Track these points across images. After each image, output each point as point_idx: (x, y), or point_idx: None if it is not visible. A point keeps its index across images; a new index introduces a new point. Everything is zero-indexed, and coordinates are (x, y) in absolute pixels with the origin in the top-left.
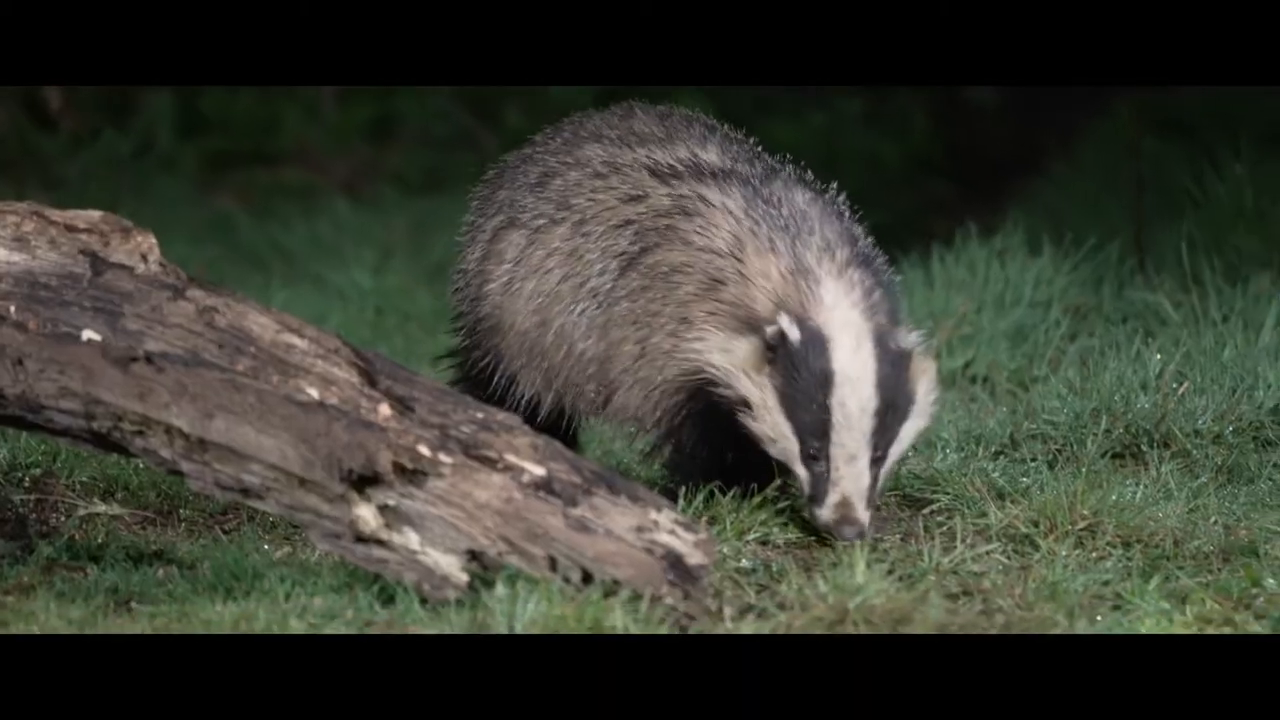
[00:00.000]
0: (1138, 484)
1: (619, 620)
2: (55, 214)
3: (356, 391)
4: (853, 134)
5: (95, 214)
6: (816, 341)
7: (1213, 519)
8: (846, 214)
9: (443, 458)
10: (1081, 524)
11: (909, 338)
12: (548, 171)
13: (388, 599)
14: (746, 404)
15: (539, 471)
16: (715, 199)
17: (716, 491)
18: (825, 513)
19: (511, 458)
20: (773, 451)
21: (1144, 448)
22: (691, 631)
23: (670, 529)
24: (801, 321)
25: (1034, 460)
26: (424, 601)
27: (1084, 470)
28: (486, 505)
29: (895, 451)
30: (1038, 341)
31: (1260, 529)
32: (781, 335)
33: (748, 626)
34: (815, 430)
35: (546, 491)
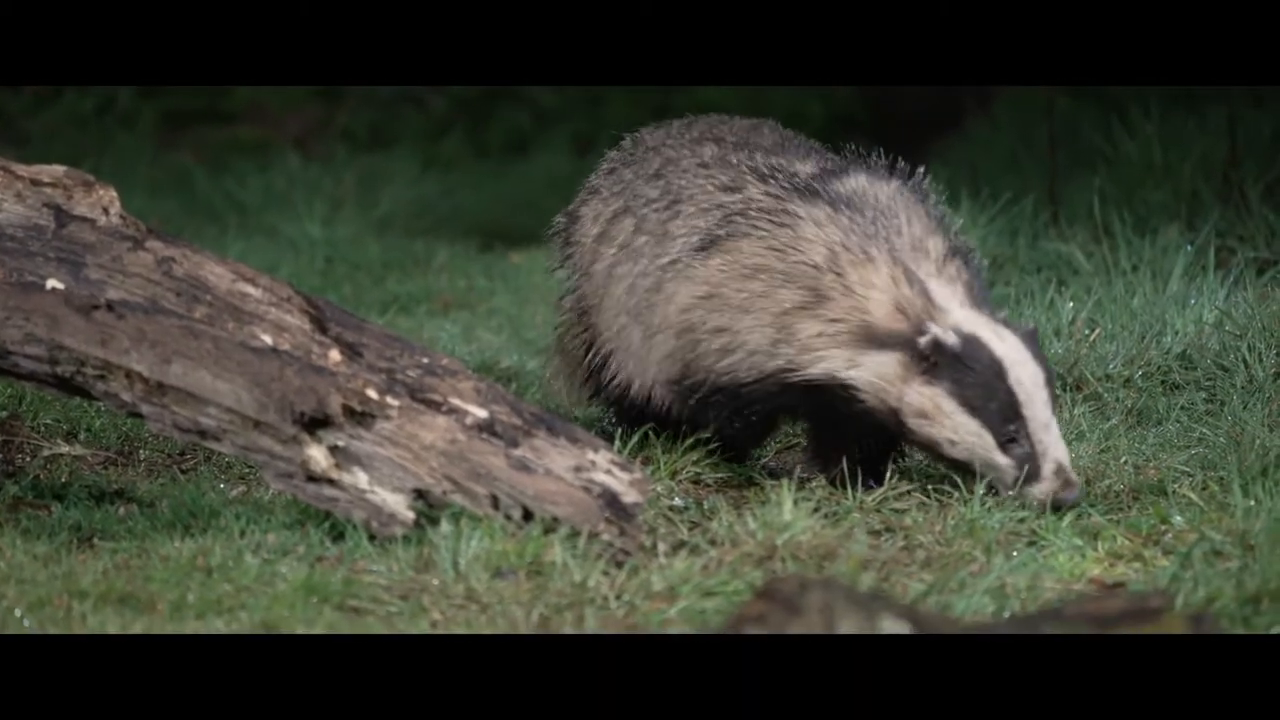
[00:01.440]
0: None
1: (558, 556)
2: (21, 169)
3: (308, 338)
4: (778, 93)
5: (59, 169)
6: (968, 338)
7: (1123, 459)
8: (931, 198)
9: (390, 401)
10: None
11: (1021, 323)
12: (667, 161)
13: (338, 536)
14: (921, 414)
15: (482, 414)
16: (803, 211)
17: (650, 434)
18: (1045, 485)
19: (456, 400)
20: (954, 453)
21: (1058, 391)
22: (626, 565)
23: (607, 469)
24: (943, 325)
25: None
26: (372, 538)
27: None
28: (432, 446)
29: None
30: None
31: (1168, 469)
32: (936, 343)
33: (680, 562)
34: (1006, 415)
35: (489, 433)
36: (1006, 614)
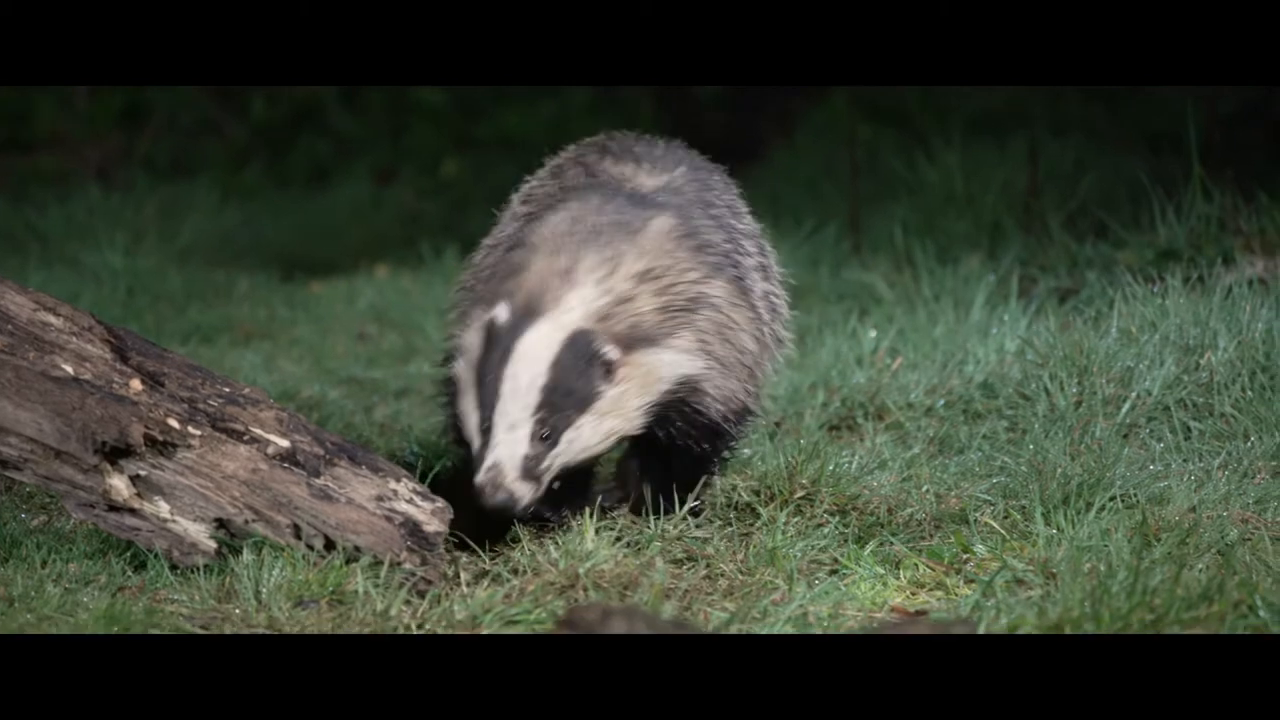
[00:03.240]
0: (853, 455)
1: (360, 585)
2: None
3: (109, 367)
4: (581, 123)
5: None
6: (517, 325)
7: (925, 488)
8: (723, 221)
9: (191, 430)
10: (800, 493)
11: (635, 355)
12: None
13: (140, 565)
14: (453, 380)
15: (283, 443)
16: (564, 204)
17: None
18: (480, 476)
19: (257, 430)
20: (462, 424)
21: (860, 420)
22: (429, 594)
23: (409, 498)
24: (515, 309)
25: (755, 432)
26: (174, 568)
27: (802, 441)
28: (233, 475)
29: (571, 437)
30: None
31: (970, 497)
32: (493, 320)
33: (482, 591)
34: (489, 401)
35: (291, 462)
36: None
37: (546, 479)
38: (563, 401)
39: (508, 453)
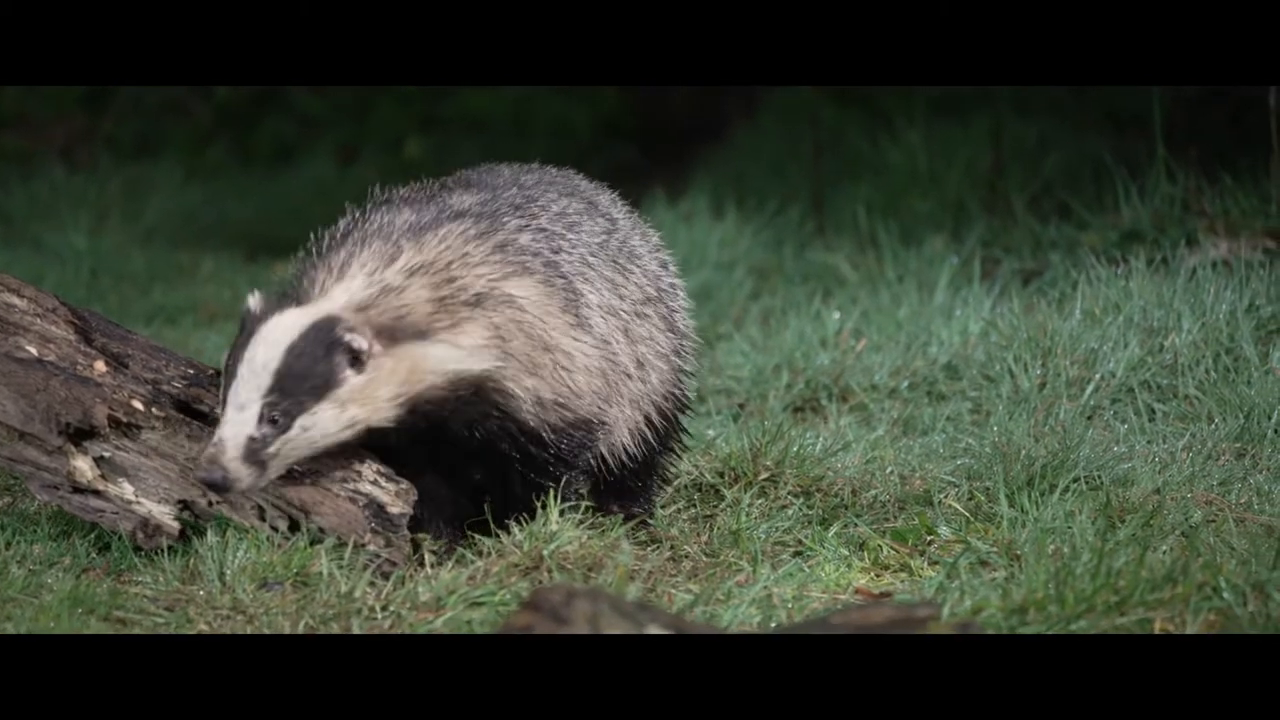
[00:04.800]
0: (818, 436)
1: (324, 566)
2: None
3: (73, 349)
4: (545, 102)
5: None
6: (262, 313)
7: (889, 469)
8: (476, 241)
9: (155, 411)
10: (764, 475)
11: (361, 340)
12: None
13: (104, 547)
14: None
15: None
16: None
17: None
18: (203, 451)
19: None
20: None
21: (823, 401)
22: (393, 576)
23: (373, 480)
24: (272, 298)
25: (719, 414)
26: (138, 549)
27: (766, 423)
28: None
29: (307, 423)
30: (722, 301)
31: (934, 479)
32: (248, 308)
33: (446, 573)
34: (227, 383)
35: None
36: (773, 624)
37: (275, 465)
38: (296, 386)
39: (231, 432)
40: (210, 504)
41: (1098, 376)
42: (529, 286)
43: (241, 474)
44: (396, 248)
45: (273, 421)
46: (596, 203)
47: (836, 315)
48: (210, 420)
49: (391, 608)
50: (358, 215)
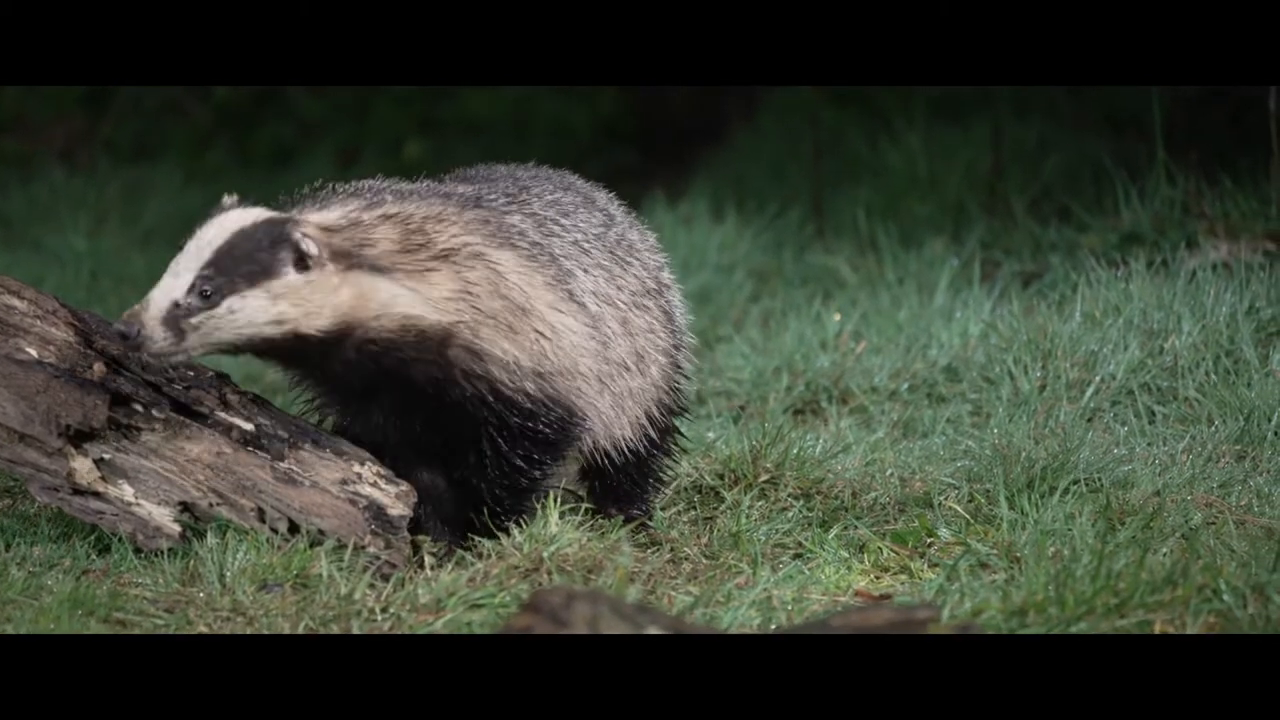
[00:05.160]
0: (818, 438)
1: (324, 568)
2: None
3: (73, 351)
4: (544, 104)
5: None
6: (232, 207)
7: (889, 472)
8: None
9: (155, 414)
10: (764, 477)
11: (311, 245)
12: None
13: (104, 549)
14: None
15: (248, 426)
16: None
17: None
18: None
19: (222, 414)
20: None
21: (824, 404)
22: (393, 578)
23: (373, 481)
24: (245, 200)
25: (719, 416)
26: (138, 551)
27: (766, 425)
28: (198, 459)
29: (235, 305)
30: (722, 303)
31: (934, 481)
32: (220, 204)
33: (446, 575)
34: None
35: (255, 446)
36: (773, 626)
37: (193, 339)
38: (234, 267)
39: (159, 294)
40: (210, 505)
41: (1098, 379)
42: (509, 256)
43: (157, 335)
44: (379, 199)
45: (203, 295)
46: (594, 198)
47: (836, 318)
48: (213, 422)
49: (391, 610)
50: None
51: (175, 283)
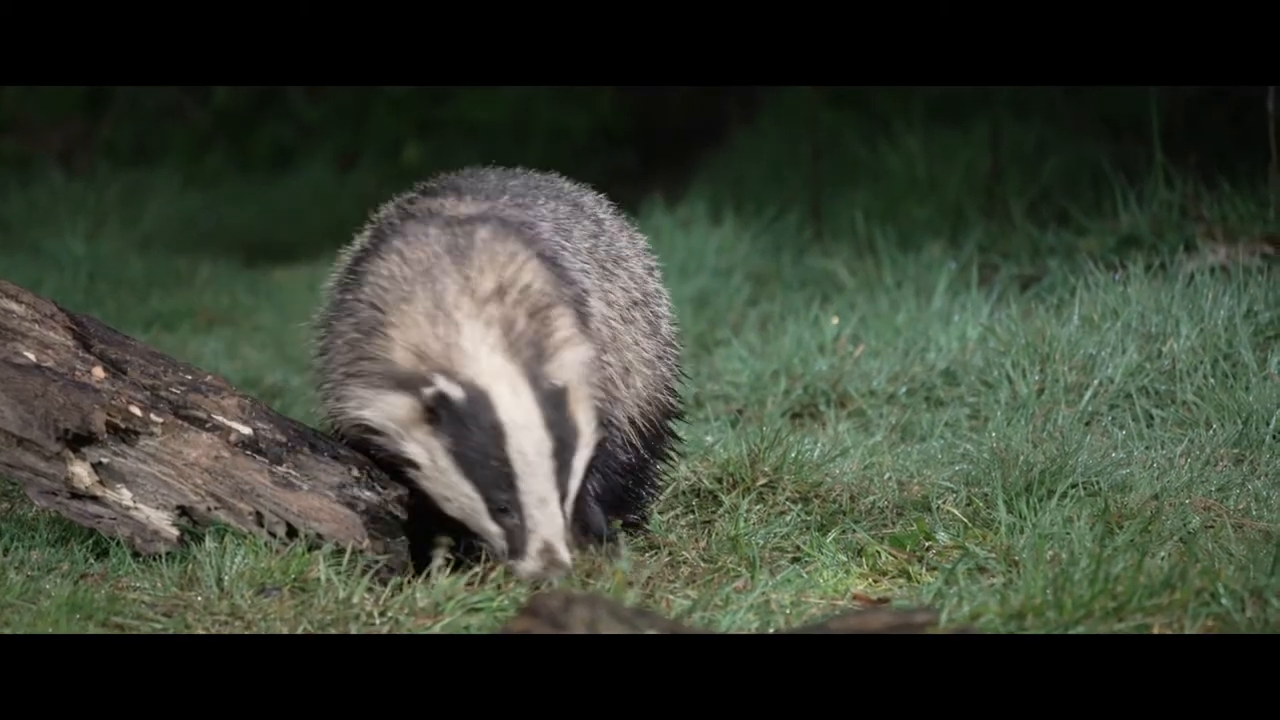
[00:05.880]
0: (816, 442)
1: (322, 572)
2: None
3: (71, 354)
4: (542, 107)
5: None
6: (476, 395)
7: (887, 475)
8: (573, 239)
9: (154, 417)
10: (762, 480)
11: (561, 372)
12: None
13: (102, 553)
14: (418, 465)
15: (246, 430)
16: (384, 248)
17: None
18: (530, 563)
19: (220, 417)
20: (451, 510)
21: (822, 407)
22: (391, 581)
23: (370, 485)
24: (454, 378)
25: (717, 419)
26: (137, 555)
27: (764, 429)
28: (196, 463)
29: (574, 487)
30: (720, 307)
31: (932, 485)
32: (441, 396)
33: (445, 578)
34: (499, 483)
35: (253, 450)
36: (771, 630)
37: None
38: (565, 457)
39: (550, 529)
40: (208, 509)
41: (1096, 382)
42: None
43: (571, 561)
44: (466, 276)
45: (562, 500)
46: (581, 205)
47: (835, 321)
48: (211, 426)
49: (389, 613)
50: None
51: (551, 511)
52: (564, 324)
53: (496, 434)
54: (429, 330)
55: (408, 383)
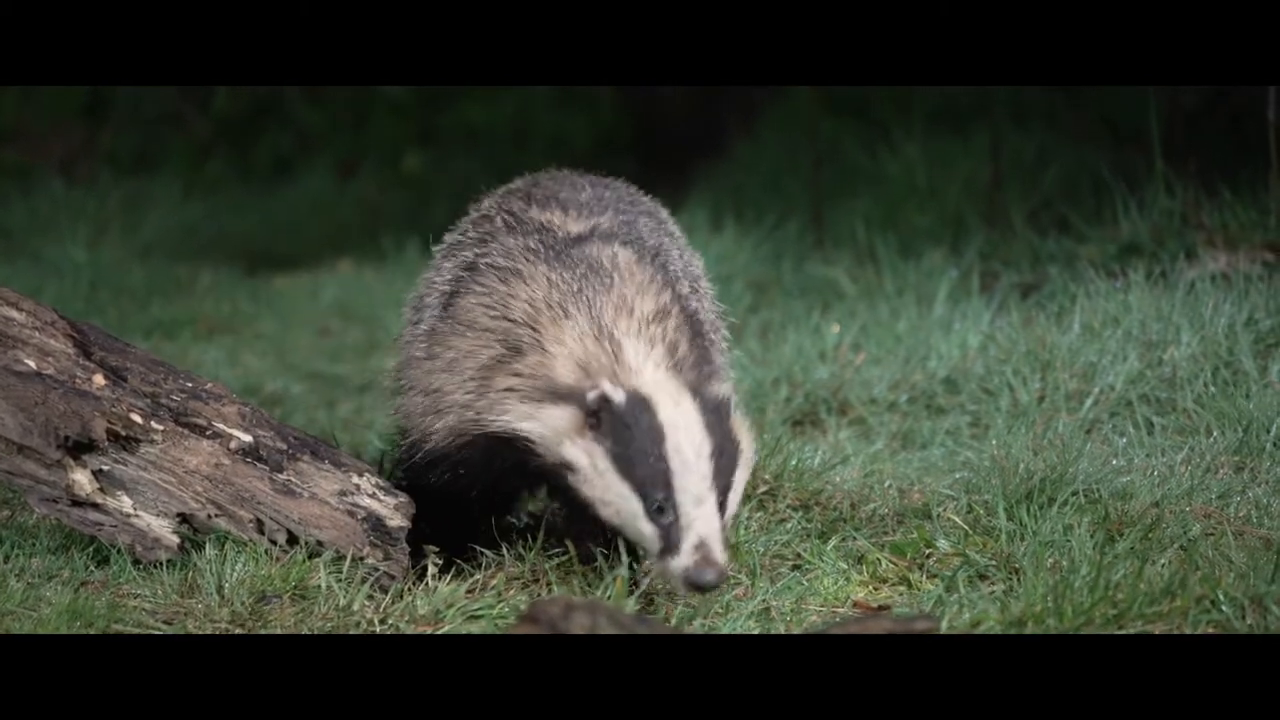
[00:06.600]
0: (816, 450)
1: (323, 580)
2: None
3: (72, 362)
4: (543, 114)
5: None
6: (638, 400)
7: (887, 483)
8: (670, 259)
9: (154, 425)
10: (763, 488)
11: (721, 389)
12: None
13: (102, 560)
14: (571, 468)
15: (246, 438)
16: (525, 268)
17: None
18: (683, 559)
19: (220, 425)
20: (608, 514)
21: (822, 415)
22: (391, 589)
23: (371, 493)
24: (617, 383)
25: None
26: (137, 562)
27: (765, 436)
28: (196, 470)
29: (733, 500)
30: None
31: (932, 492)
32: (604, 399)
33: (445, 586)
34: (656, 482)
35: (254, 457)
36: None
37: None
38: (724, 463)
39: (707, 527)
40: (209, 517)
41: (1096, 390)
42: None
43: (727, 564)
44: (622, 296)
45: (720, 506)
46: (658, 216)
47: (835, 329)
48: (212, 434)
49: (390, 621)
50: (488, 256)
51: (708, 510)
52: (715, 352)
53: (656, 434)
54: (593, 347)
55: (570, 395)
